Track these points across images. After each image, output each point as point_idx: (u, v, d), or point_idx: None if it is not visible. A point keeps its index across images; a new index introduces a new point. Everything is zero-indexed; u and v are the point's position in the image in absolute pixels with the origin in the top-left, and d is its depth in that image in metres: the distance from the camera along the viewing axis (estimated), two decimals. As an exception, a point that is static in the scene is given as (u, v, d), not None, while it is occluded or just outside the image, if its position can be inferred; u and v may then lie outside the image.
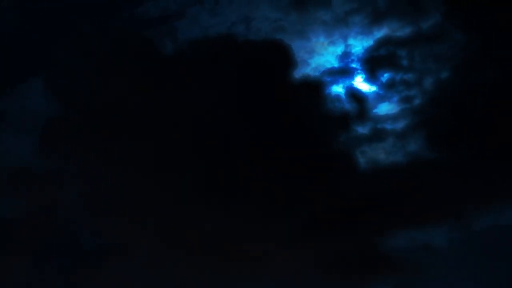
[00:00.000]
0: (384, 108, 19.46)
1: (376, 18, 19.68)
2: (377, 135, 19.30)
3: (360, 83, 19.71)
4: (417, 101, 19.26)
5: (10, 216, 18.82)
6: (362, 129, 19.33)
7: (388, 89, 19.48)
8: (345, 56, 19.82)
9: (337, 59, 19.85)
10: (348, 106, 19.46)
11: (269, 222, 18.50)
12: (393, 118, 19.35)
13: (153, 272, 18.50)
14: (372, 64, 19.65)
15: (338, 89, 19.63)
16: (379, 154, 19.22)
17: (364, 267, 18.75)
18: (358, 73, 19.76)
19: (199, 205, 18.51)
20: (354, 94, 19.51)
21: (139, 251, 18.59)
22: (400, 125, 19.28)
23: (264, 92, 19.40)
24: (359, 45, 19.81)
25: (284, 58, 19.62)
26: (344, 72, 19.76)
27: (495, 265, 18.44)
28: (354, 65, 19.79)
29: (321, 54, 19.85)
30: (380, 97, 19.52)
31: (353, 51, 19.82)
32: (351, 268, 18.71)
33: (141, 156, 18.89)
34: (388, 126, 19.33)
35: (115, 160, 18.79)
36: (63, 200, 18.85)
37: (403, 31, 19.56)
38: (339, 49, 19.87)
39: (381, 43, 19.62)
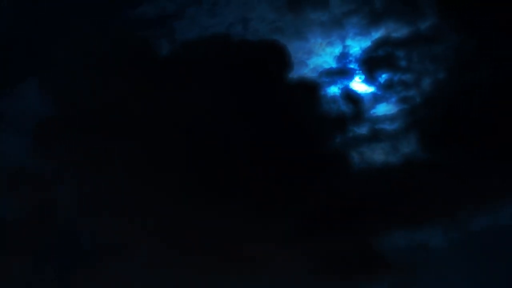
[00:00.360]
0: (382, 109, 19.50)
1: (373, 19, 19.74)
2: (376, 136, 19.32)
3: (358, 84, 19.77)
4: (415, 102, 19.31)
5: (9, 216, 18.79)
6: (360, 130, 19.36)
7: (386, 89, 19.52)
8: (343, 57, 19.86)
9: (335, 60, 19.89)
10: (346, 107, 19.50)
11: (269, 222, 18.51)
12: (391, 118, 19.38)
13: (153, 272, 18.47)
14: (370, 65, 19.69)
15: (336, 89, 19.69)
16: (378, 154, 19.24)
17: (363, 267, 18.76)
18: (356, 74, 19.80)
19: (199, 205, 18.51)
20: (350, 95, 19.54)
21: (139, 251, 18.55)
22: (398, 125, 19.32)
23: (262, 93, 19.43)
24: (357, 46, 19.86)
25: (281, 59, 19.63)
26: (342, 73, 19.79)
27: (493, 265, 18.48)
28: (352, 66, 19.84)
29: (319, 55, 19.89)
30: (378, 98, 19.56)
31: (351, 52, 19.88)
32: (350, 268, 18.72)
33: (140, 156, 18.88)
34: (387, 126, 19.36)
35: (114, 160, 18.78)
36: (63, 200, 18.83)
37: (400, 31, 19.62)
38: (337, 50, 19.92)
39: (378, 44, 19.67)
